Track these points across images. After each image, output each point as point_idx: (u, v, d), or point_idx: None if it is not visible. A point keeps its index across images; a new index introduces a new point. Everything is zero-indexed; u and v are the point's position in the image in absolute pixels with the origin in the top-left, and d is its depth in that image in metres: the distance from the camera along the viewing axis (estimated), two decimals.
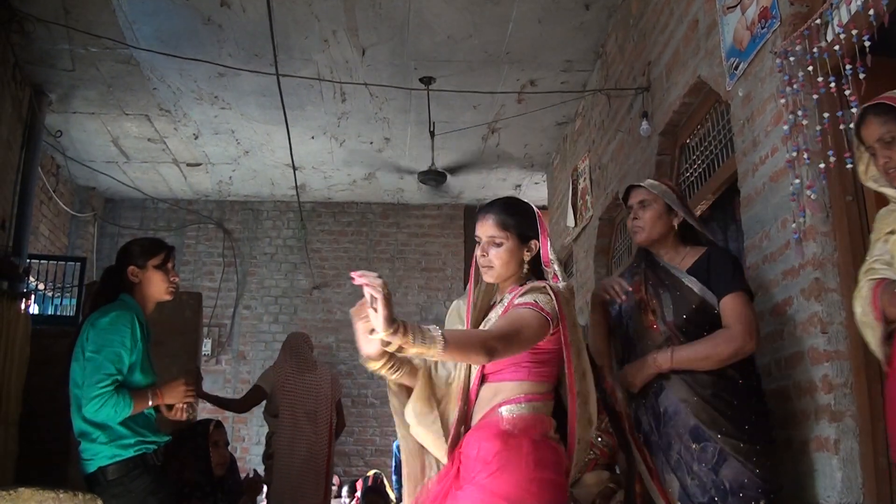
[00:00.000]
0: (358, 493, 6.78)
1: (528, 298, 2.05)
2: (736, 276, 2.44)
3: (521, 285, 2.14)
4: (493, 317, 2.18)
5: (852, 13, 2.19)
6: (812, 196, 2.37)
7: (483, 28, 5.02)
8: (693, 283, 2.46)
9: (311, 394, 5.10)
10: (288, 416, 4.99)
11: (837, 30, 2.19)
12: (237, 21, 4.91)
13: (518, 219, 2.20)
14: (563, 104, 6.00)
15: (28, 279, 5.40)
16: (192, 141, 6.87)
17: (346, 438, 8.03)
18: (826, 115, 2.26)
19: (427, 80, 5.62)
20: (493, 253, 2.17)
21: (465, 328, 2.24)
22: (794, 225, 2.43)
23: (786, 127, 2.44)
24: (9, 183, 5.38)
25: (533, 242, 2.19)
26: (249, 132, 6.67)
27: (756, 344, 2.36)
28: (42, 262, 6.20)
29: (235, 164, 7.50)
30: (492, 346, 1.85)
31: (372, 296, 1.64)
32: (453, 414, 2.11)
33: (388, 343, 1.70)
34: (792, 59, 2.44)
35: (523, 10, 4.82)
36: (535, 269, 2.20)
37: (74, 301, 5.84)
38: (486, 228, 2.20)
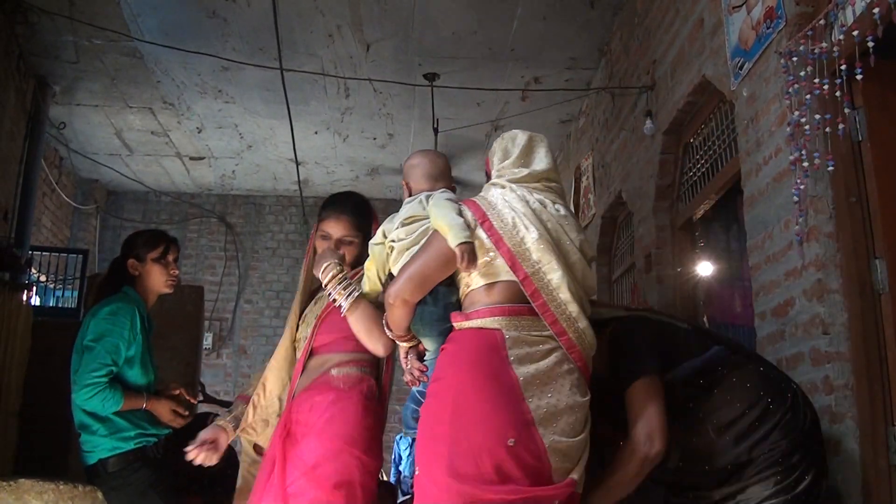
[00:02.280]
0: None
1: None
2: (642, 356, 2.10)
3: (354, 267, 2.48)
4: (325, 295, 2.44)
5: (857, 14, 2.18)
6: (815, 197, 2.37)
7: (488, 25, 5.01)
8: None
9: None
10: None
11: (841, 31, 2.19)
12: (242, 15, 4.91)
13: (368, 219, 2.53)
14: (566, 102, 5.99)
15: (30, 271, 5.41)
16: (196, 134, 6.87)
17: None
18: (829, 115, 2.26)
19: (431, 77, 5.61)
20: (348, 250, 2.48)
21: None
22: (797, 226, 2.42)
23: (789, 128, 2.44)
24: (12, 174, 5.38)
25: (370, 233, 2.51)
26: (253, 126, 6.67)
27: (663, 445, 1.99)
28: (44, 253, 6.21)
29: (238, 159, 7.50)
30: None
31: None
32: (275, 387, 2.45)
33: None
34: (796, 59, 2.43)
35: (528, 7, 4.81)
36: None
37: (76, 293, 5.84)
38: (340, 228, 2.48)
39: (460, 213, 2.07)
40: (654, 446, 1.98)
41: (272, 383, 2.48)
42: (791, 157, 2.42)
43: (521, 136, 2.22)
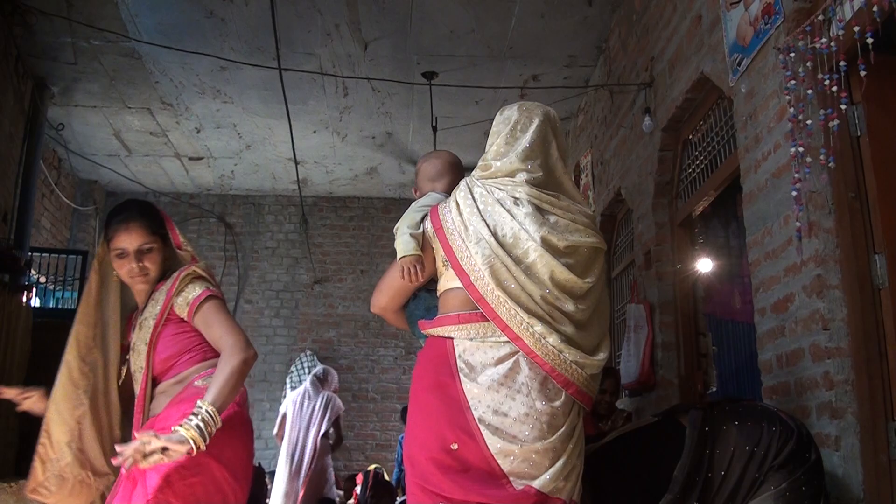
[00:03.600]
0: (357, 489, 6.77)
1: (196, 290, 2.18)
2: None
3: (164, 277, 2.26)
4: (149, 315, 2.21)
5: (855, 9, 2.18)
6: (815, 192, 2.37)
7: (486, 23, 5.01)
8: None
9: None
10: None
11: (839, 26, 2.18)
12: (240, 14, 4.91)
13: (158, 219, 2.30)
14: (565, 100, 5.99)
15: (29, 272, 5.41)
16: (194, 135, 6.86)
17: (346, 433, 8.02)
18: (829, 111, 2.25)
19: (429, 75, 5.61)
20: (149, 259, 2.25)
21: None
22: (797, 222, 2.42)
23: (789, 123, 2.44)
24: (11, 176, 5.38)
25: (167, 235, 2.32)
26: (251, 126, 6.67)
27: None
28: (44, 255, 6.21)
29: (237, 158, 7.50)
30: (247, 358, 2.05)
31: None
32: (62, 435, 2.14)
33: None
34: (794, 55, 2.43)
35: (526, 4, 4.81)
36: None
37: (76, 294, 5.84)
38: (134, 239, 2.22)
39: (419, 225, 2.11)
40: None
41: (58, 430, 2.15)
42: (791, 152, 2.42)
43: (516, 115, 2.11)
